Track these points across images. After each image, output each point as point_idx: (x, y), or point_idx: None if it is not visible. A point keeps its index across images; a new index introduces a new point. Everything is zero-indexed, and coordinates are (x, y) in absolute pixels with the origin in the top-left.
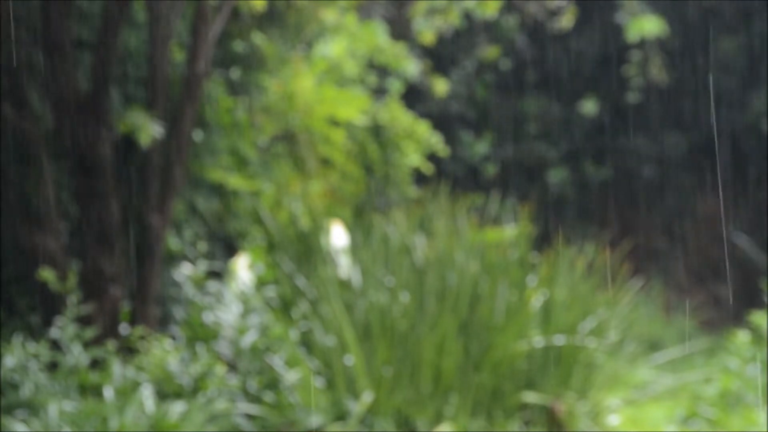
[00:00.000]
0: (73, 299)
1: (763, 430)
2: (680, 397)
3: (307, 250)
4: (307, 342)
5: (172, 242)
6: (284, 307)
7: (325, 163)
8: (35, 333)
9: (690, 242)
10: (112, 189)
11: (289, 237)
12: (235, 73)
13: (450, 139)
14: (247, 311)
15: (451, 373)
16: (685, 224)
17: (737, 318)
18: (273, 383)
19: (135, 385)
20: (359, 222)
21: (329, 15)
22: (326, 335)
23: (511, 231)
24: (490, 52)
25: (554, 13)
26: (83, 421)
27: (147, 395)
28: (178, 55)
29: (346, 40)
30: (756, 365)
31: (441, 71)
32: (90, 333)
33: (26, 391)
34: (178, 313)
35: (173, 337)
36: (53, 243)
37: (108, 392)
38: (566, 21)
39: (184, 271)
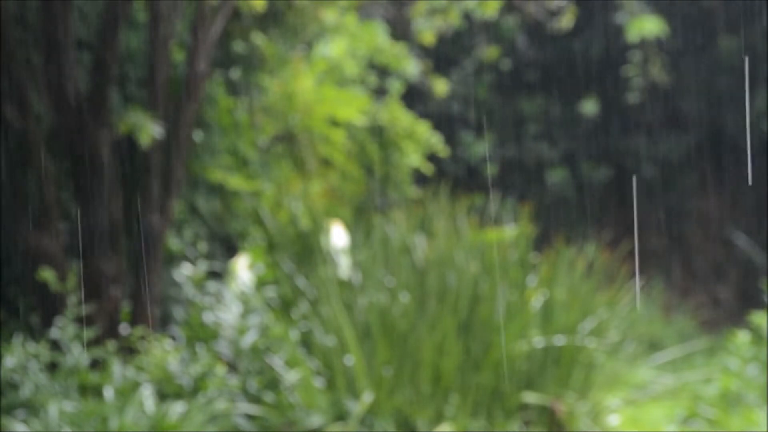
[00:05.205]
0: (73, 299)
1: (763, 430)
2: (680, 397)
3: (307, 250)
4: (307, 342)
5: (172, 242)
6: (284, 307)
7: (325, 163)
8: (35, 333)
9: (690, 242)
10: (112, 189)
11: (289, 237)
12: (235, 73)
13: (450, 139)
14: (247, 311)
15: (451, 373)
16: (685, 224)
17: (737, 318)
18: (273, 383)
19: (135, 385)
20: (359, 222)
21: (329, 15)
22: (326, 335)
23: (511, 231)
24: (490, 52)
25: (554, 13)
26: (83, 421)
27: (147, 395)
28: (178, 55)
29: (346, 41)
30: (756, 365)
31: (441, 71)
32: (90, 333)
33: (26, 391)
34: (178, 313)
35: (173, 337)
36: (53, 243)
37: (108, 392)
38: (566, 21)
39: (184, 271)
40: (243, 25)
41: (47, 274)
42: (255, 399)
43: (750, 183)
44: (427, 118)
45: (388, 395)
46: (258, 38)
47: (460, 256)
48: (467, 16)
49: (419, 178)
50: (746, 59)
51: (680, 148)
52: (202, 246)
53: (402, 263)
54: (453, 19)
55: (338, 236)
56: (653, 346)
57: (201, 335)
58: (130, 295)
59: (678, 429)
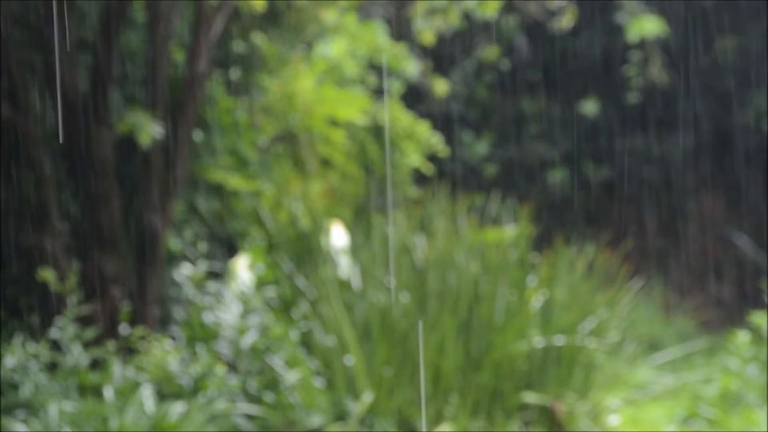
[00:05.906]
0: (73, 299)
1: (763, 430)
2: (680, 397)
3: (307, 250)
4: (307, 342)
5: (172, 242)
6: (284, 307)
7: (325, 163)
8: (35, 333)
9: (690, 242)
10: (113, 189)
11: (289, 237)
12: (235, 73)
13: (450, 139)
14: (247, 311)
15: (451, 373)
16: (685, 224)
17: (737, 318)
18: (273, 383)
19: (135, 386)
20: (359, 222)
21: (329, 15)
22: (326, 335)
23: (511, 231)
24: (490, 52)
25: (554, 13)
26: (83, 421)
27: (147, 395)
28: (178, 55)
29: (346, 41)
30: (756, 365)
31: (441, 71)
32: (90, 333)
33: (26, 391)
34: (178, 313)
35: (173, 337)
36: (53, 243)
37: (108, 392)
38: (566, 21)
39: (184, 271)
40: (243, 25)
41: (47, 274)
42: (255, 399)
43: (750, 183)
44: (427, 118)
45: (388, 395)
46: (258, 38)
47: (460, 256)
48: (467, 16)
49: (419, 178)
50: (746, 59)
51: (680, 148)
52: (202, 246)
53: (402, 263)
54: (453, 19)
55: (338, 236)
56: (653, 346)
57: (201, 335)
58: (130, 295)
59: (678, 429)
